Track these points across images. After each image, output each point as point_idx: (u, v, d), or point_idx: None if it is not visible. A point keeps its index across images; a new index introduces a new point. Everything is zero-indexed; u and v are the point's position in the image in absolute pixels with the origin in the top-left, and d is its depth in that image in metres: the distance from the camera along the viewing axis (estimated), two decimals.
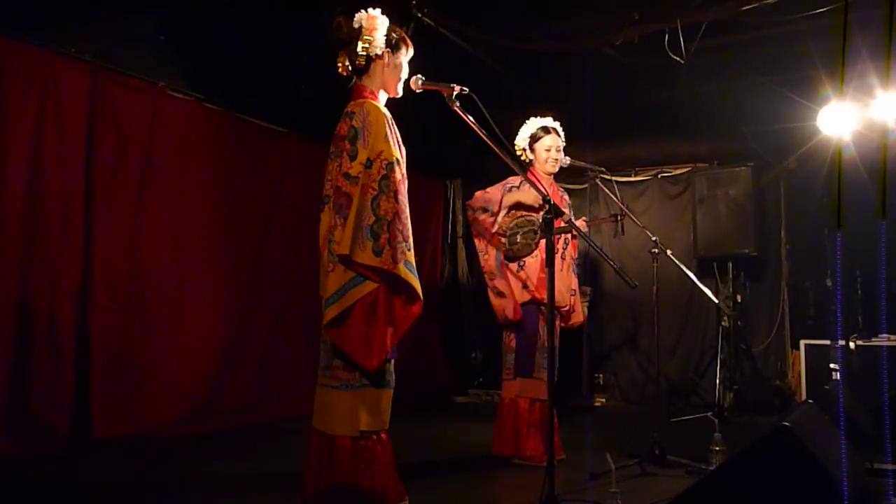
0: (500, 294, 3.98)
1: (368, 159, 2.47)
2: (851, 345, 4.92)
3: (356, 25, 2.59)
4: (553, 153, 4.00)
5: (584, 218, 4.10)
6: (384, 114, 2.58)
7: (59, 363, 3.98)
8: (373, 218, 2.42)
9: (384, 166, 2.46)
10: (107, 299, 4.27)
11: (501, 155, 2.72)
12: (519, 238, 3.97)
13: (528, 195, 3.94)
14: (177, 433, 4.45)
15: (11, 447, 3.66)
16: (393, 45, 2.65)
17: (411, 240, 2.54)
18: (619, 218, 4.11)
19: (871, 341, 4.91)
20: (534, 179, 3.97)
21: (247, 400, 5.09)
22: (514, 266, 4.01)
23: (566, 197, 4.25)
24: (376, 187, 2.44)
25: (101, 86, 4.31)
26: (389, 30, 2.64)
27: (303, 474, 2.58)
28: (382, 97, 2.69)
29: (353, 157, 2.48)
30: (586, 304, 6.22)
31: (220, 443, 4.45)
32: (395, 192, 2.47)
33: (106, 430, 4.12)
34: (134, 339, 4.41)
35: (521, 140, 4.09)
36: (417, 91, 2.69)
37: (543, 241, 3.90)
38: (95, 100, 4.27)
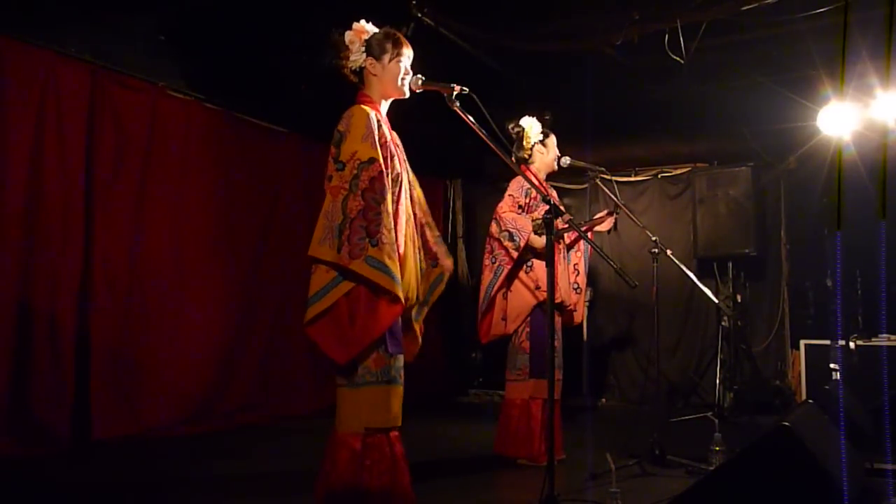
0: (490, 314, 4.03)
1: (342, 162, 2.49)
2: (851, 345, 4.92)
3: (347, 41, 2.65)
4: (557, 151, 4.04)
5: (587, 220, 4.09)
6: (367, 114, 2.57)
7: (59, 363, 3.98)
8: (341, 217, 2.44)
9: (356, 166, 2.48)
10: (107, 299, 4.27)
11: (501, 155, 2.72)
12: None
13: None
14: (177, 433, 4.45)
15: (11, 447, 3.67)
16: (374, 53, 2.66)
17: (389, 235, 2.46)
18: (614, 214, 4.07)
19: (871, 341, 4.91)
20: (537, 181, 3.97)
21: (247, 400, 5.09)
22: (521, 271, 3.99)
23: (554, 194, 4.25)
24: (347, 187, 2.46)
25: (101, 86, 4.31)
26: (370, 37, 2.66)
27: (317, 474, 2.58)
28: (385, 103, 2.71)
29: (335, 160, 2.52)
30: (586, 304, 6.23)
31: (220, 443, 4.45)
32: (364, 190, 2.46)
33: (106, 430, 4.12)
34: (134, 339, 4.41)
35: (535, 135, 4.03)
36: (417, 91, 2.70)
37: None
38: (95, 100, 4.27)
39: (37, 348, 3.91)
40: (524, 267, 3.97)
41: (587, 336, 6.22)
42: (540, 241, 3.86)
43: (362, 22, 2.67)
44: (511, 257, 3.92)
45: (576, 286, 4.14)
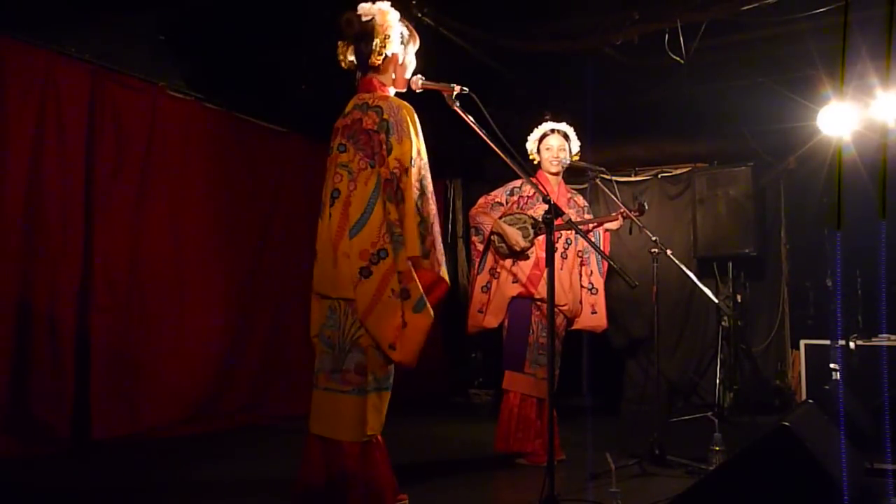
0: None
1: (410, 158, 2.45)
2: (851, 345, 4.92)
3: (366, 20, 2.52)
4: (553, 152, 4.05)
5: (616, 212, 4.05)
6: (413, 111, 2.53)
7: (59, 363, 3.98)
8: (418, 218, 2.41)
9: (422, 167, 2.46)
10: (107, 299, 4.27)
11: (502, 155, 2.72)
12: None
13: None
14: (177, 433, 4.45)
15: (11, 447, 3.67)
16: (405, 43, 2.63)
17: None
18: (641, 209, 3.98)
19: (871, 341, 4.91)
20: (536, 181, 3.97)
21: (247, 400, 5.09)
22: (508, 262, 4.03)
23: (579, 199, 4.24)
24: (419, 187, 2.43)
25: (101, 86, 4.31)
26: (405, 26, 2.62)
27: (297, 480, 2.54)
28: (391, 93, 2.67)
29: (390, 151, 2.44)
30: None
31: (220, 443, 4.45)
32: (432, 193, 2.47)
33: (106, 430, 4.12)
34: (134, 339, 4.41)
35: (531, 142, 4.15)
36: (417, 91, 2.68)
37: (540, 241, 3.93)
38: (95, 100, 4.27)
39: (37, 348, 3.91)
40: (511, 260, 4.02)
41: (587, 336, 6.20)
42: (510, 229, 3.92)
43: (387, 4, 2.56)
44: (478, 250, 4.10)
45: (590, 286, 4.16)
